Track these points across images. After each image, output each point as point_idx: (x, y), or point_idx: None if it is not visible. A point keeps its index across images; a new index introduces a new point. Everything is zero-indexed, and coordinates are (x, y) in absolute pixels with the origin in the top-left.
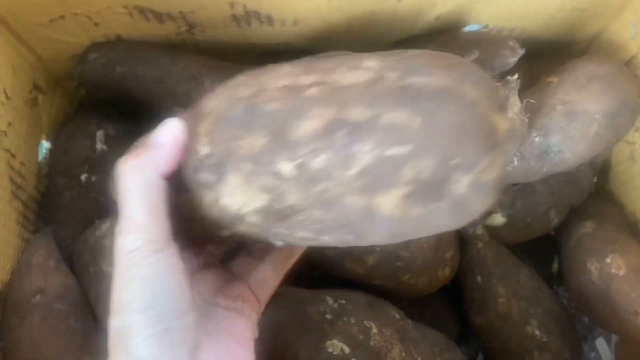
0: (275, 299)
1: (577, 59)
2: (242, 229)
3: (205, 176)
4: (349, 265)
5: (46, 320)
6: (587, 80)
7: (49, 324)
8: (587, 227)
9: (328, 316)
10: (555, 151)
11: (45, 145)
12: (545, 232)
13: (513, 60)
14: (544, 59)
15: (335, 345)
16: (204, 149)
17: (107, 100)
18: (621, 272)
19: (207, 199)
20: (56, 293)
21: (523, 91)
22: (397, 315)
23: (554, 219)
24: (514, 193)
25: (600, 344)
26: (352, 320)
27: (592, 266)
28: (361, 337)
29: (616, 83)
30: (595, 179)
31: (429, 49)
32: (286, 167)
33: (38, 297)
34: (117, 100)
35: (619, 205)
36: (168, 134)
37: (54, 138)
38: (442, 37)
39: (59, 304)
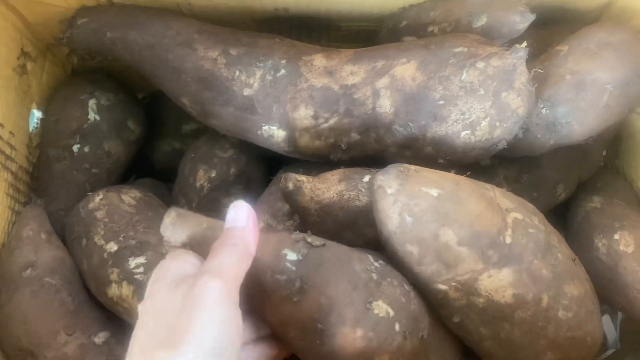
0: (320, 252)
1: (589, 26)
2: None
3: None
4: (349, 236)
5: (37, 295)
6: (598, 48)
7: (40, 298)
8: (596, 202)
9: (374, 275)
10: (563, 123)
11: (37, 114)
12: (551, 207)
13: (523, 26)
14: (554, 26)
15: (381, 307)
16: None
17: (100, 67)
18: (630, 249)
19: None
20: (47, 267)
21: (532, 60)
22: None
23: (561, 193)
24: (520, 167)
25: (606, 321)
26: (395, 282)
27: (600, 242)
28: (403, 300)
29: (630, 51)
30: (604, 153)
31: (434, 16)
32: None
33: (29, 271)
34: (111, 67)
35: (628, 180)
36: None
37: (45, 107)
38: (448, 3)
39: (51, 278)
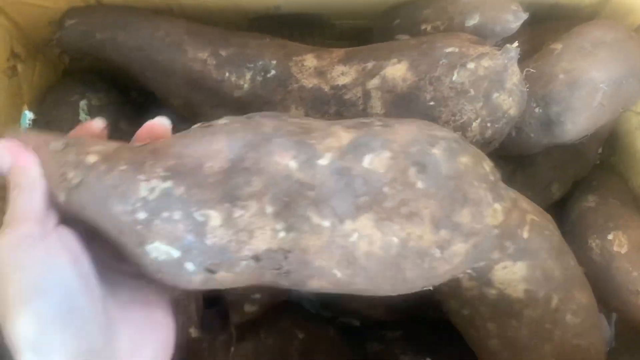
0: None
1: (583, 25)
2: None
3: None
4: None
5: None
6: (592, 47)
7: None
8: (590, 201)
9: (140, 215)
10: (556, 122)
11: (29, 115)
12: (546, 206)
13: (515, 25)
14: (549, 23)
15: (160, 249)
16: None
17: (92, 67)
18: (623, 250)
19: None
20: None
21: (525, 59)
22: None
23: (556, 192)
24: (513, 166)
25: (600, 319)
26: (176, 216)
27: (593, 243)
28: (190, 237)
29: (624, 50)
30: (600, 150)
31: (427, 14)
32: None
33: None
34: (103, 67)
35: (624, 178)
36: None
37: (37, 108)
38: (441, 2)
39: None
